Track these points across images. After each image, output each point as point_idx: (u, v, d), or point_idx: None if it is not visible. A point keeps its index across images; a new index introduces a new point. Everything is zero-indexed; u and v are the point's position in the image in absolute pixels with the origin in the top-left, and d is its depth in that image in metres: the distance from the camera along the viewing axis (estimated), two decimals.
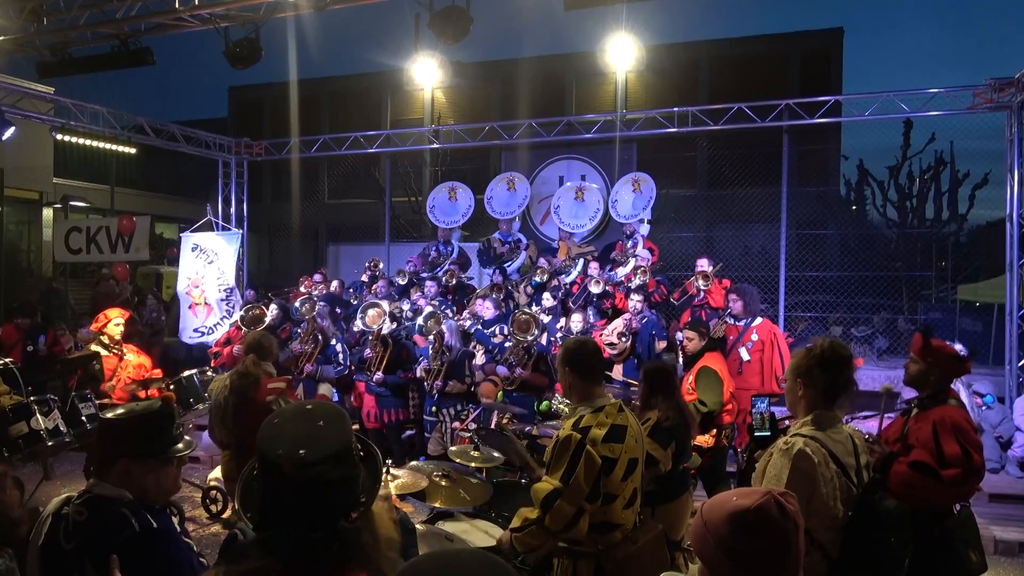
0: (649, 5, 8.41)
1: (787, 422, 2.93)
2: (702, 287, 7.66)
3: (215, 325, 10.27)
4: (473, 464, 4.02)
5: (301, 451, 1.30)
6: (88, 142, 10.36)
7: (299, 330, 7.49)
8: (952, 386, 3.39)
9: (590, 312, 7.98)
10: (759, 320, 6.78)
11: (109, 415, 2.07)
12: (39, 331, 8.63)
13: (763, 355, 6.57)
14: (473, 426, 5.77)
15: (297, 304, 7.76)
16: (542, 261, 9.46)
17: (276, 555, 1.31)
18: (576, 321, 7.19)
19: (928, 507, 2.99)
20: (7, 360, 5.47)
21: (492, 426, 5.55)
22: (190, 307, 10.49)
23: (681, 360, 5.71)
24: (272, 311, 8.00)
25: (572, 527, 2.62)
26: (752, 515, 1.43)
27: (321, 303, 7.94)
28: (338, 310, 8.99)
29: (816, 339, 2.60)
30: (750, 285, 7.59)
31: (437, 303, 8.32)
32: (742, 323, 6.76)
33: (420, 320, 7.09)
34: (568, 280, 9.17)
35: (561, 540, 2.71)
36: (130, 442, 2.01)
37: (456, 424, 6.20)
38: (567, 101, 19.90)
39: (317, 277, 10.28)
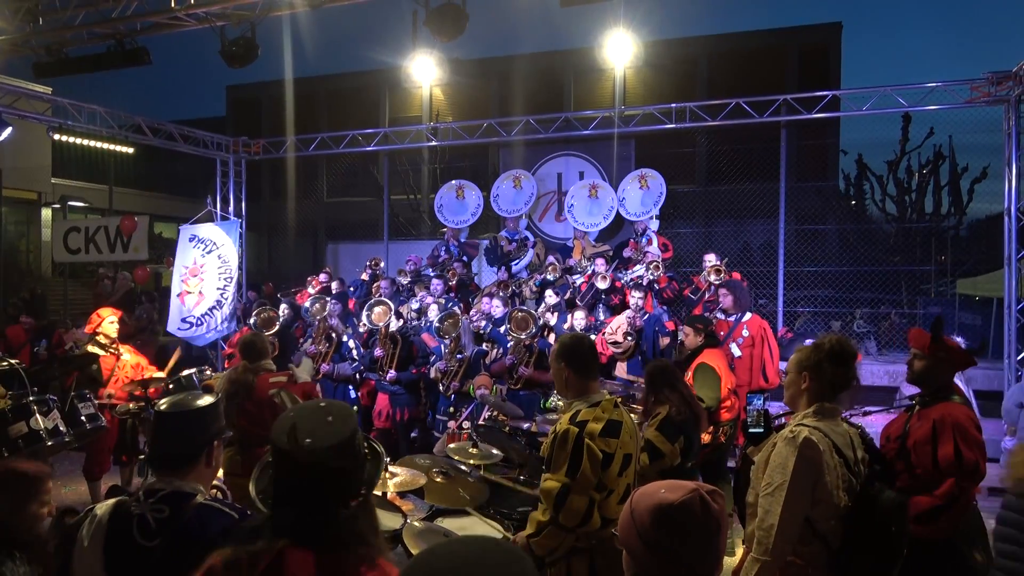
0: (646, 0, 8.41)
1: (783, 419, 2.93)
2: (715, 282, 7.56)
3: (203, 315, 10.02)
4: (472, 461, 4.01)
5: (307, 440, 1.46)
6: (86, 142, 10.32)
7: (311, 331, 7.45)
8: (956, 381, 3.33)
9: (600, 310, 7.93)
10: (748, 315, 6.74)
11: (201, 403, 2.05)
12: (43, 333, 8.56)
13: (753, 350, 6.54)
14: (467, 423, 5.75)
15: (307, 304, 7.73)
16: (552, 258, 9.40)
17: (277, 534, 1.46)
18: (579, 319, 7.14)
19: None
20: (13, 361, 5.43)
21: (484, 420, 5.54)
22: (179, 295, 10.16)
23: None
24: (283, 311, 7.96)
25: (587, 520, 2.62)
26: (675, 510, 1.45)
27: (332, 302, 7.89)
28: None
29: (822, 335, 2.63)
30: (739, 280, 7.56)
31: (443, 301, 8.24)
32: (732, 318, 6.71)
33: (435, 320, 7.01)
34: (579, 281, 9.11)
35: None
36: (219, 423, 2.11)
37: (452, 423, 6.17)
38: (565, 97, 19.83)
39: (323, 277, 10.12)
